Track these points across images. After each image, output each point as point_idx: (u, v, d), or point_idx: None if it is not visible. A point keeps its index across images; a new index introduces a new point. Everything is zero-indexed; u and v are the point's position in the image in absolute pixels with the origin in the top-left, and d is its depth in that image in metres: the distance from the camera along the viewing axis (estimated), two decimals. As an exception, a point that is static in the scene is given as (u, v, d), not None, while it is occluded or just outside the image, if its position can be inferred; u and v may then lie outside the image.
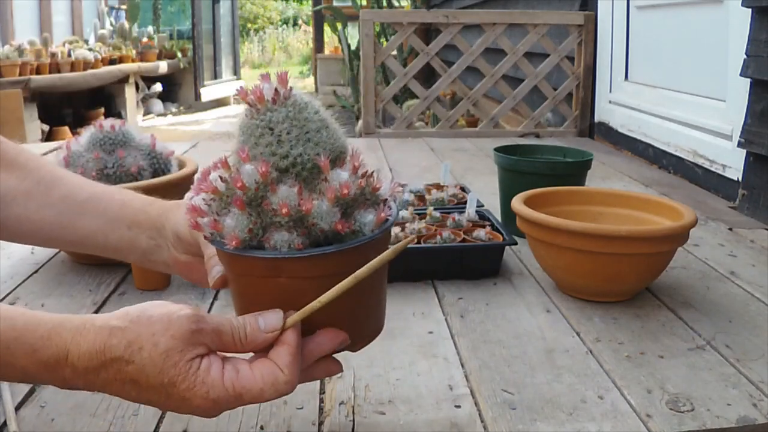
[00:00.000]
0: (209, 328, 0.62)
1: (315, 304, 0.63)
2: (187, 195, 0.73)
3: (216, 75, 8.97)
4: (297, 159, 0.62)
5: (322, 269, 0.63)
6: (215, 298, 1.17)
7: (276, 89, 0.63)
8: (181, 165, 1.46)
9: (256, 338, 0.63)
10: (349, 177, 0.62)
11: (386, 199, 0.66)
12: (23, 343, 0.61)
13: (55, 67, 5.98)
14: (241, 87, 0.66)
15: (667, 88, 2.46)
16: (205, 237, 0.65)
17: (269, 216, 0.62)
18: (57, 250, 1.37)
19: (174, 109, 8.18)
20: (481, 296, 1.19)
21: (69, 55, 6.20)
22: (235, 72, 9.65)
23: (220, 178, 0.63)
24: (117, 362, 0.60)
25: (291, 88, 0.64)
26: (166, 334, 0.60)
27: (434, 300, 1.17)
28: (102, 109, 6.70)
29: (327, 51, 9.45)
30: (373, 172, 0.66)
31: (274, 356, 0.63)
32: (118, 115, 6.73)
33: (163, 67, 7.70)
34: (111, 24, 8.29)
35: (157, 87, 7.78)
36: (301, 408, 0.83)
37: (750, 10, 1.80)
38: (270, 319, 0.64)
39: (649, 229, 1.13)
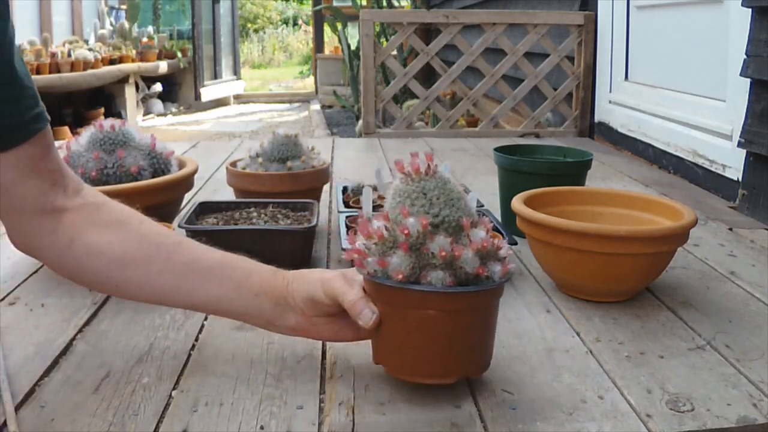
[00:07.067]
0: None
1: None
2: (344, 242, 0.89)
3: (216, 75, 8.96)
4: (445, 218, 0.81)
5: (462, 304, 0.80)
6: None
7: (428, 165, 0.82)
8: (181, 165, 1.46)
9: None
10: (485, 235, 0.80)
11: (506, 257, 0.83)
12: None
13: (55, 67, 5.98)
14: (398, 160, 0.84)
15: (667, 88, 2.46)
16: (369, 273, 0.81)
17: (426, 258, 0.79)
18: (57, 250, 1.37)
19: (174, 109, 8.17)
20: (481, 296, 1.19)
21: (69, 55, 6.19)
22: (235, 72, 9.64)
23: (385, 227, 0.80)
24: None
25: (436, 165, 0.83)
26: None
27: (434, 300, 1.17)
28: (102, 109, 6.69)
29: (327, 51, 9.44)
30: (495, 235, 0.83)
31: None
32: (118, 115, 6.73)
33: (163, 67, 7.69)
34: (111, 24, 8.28)
35: (157, 87, 7.77)
36: (301, 408, 0.83)
37: (750, 10, 1.80)
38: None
39: (649, 229, 1.13)
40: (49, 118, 0.90)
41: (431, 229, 0.79)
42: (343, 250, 0.82)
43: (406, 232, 0.78)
